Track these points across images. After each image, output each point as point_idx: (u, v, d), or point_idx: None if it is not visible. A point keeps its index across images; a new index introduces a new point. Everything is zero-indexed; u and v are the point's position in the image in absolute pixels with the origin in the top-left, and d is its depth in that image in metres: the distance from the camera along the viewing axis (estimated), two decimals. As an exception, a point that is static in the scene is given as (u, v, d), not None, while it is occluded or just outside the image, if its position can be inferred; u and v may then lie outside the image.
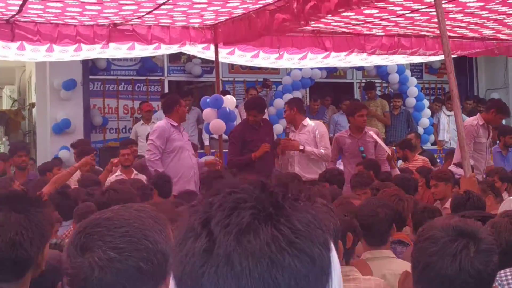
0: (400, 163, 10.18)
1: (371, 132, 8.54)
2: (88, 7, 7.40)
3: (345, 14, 7.52)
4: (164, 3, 7.34)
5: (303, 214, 1.06)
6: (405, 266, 3.78)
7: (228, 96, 10.12)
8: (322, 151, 8.28)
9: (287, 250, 1.00)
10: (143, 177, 8.02)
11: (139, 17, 8.22)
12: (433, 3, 5.98)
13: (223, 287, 0.99)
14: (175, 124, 8.07)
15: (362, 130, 8.63)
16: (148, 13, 7.89)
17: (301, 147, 8.23)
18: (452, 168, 8.32)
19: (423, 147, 13.25)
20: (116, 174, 8.30)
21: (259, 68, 13.98)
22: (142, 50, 9.99)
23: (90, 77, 13.43)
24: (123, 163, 8.45)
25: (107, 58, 13.15)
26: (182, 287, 1.04)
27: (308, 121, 8.60)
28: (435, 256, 2.08)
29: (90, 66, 13.36)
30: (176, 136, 8.02)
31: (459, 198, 4.80)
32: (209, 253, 1.01)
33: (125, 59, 13.54)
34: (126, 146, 9.00)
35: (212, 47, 9.84)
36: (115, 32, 8.75)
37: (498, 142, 9.97)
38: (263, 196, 1.06)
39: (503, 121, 10.22)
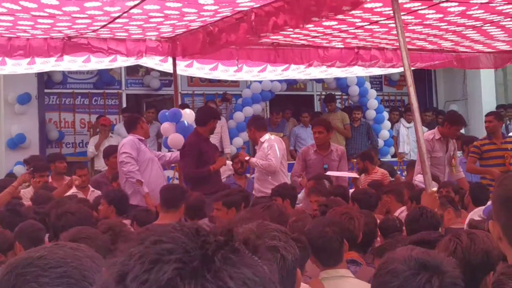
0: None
1: (333, 173, 8.32)
2: (40, 20, 7.18)
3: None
4: (118, 17, 7.17)
5: (240, 269, 0.89)
6: (362, 285, 3.74)
7: (187, 110, 9.96)
8: (263, 162, 8.19)
9: None
10: (99, 193, 7.82)
11: (93, 31, 8.02)
12: (392, 15, 5.91)
13: None
14: (142, 138, 8.02)
15: (328, 148, 8.53)
16: (103, 26, 7.70)
17: (246, 158, 8.23)
18: (420, 177, 8.31)
19: (383, 159, 13.27)
20: (72, 191, 8.07)
21: (219, 81, 13.87)
22: (97, 63, 9.78)
23: (46, 90, 13.16)
24: (79, 185, 8.26)
25: (63, 71, 12.92)
26: None
27: (265, 137, 8.48)
28: None
29: (45, 80, 13.10)
30: (145, 149, 7.92)
31: (413, 214, 4.72)
32: None
33: (82, 72, 13.30)
34: (83, 167, 8.86)
35: (170, 59, 9.68)
36: (70, 45, 8.52)
37: (462, 152, 9.99)
38: (192, 247, 0.89)
39: (463, 131, 10.26)
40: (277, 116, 13.42)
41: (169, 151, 11.64)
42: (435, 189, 5.49)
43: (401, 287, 1.91)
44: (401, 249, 2.11)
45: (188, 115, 9.47)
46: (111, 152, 9.05)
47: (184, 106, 11.37)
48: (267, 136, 8.51)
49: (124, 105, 13.87)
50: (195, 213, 6.62)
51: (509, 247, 2.25)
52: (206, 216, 6.55)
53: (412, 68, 11.23)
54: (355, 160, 9.54)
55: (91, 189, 8.28)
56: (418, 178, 8.28)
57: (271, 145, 8.31)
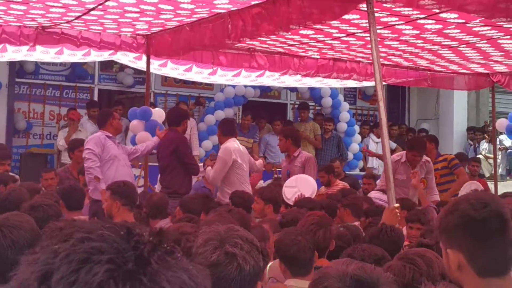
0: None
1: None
2: (13, 5, 7.05)
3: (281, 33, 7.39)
4: (93, 9, 7.06)
5: (176, 272, 0.82)
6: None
7: (157, 109, 9.87)
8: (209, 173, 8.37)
9: None
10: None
11: (68, 21, 7.90)
12: (368, 28, 5.89)
13: None
14: (110, 135, 7.87)
15: (291, 155, 8.74)
16: (77, 17, 7.58)
17: (208, 168, 8.35)
18: (374, 193, 8.30)
19: (352, 173, 13.28)
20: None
21: (193, 83, 13.78)
22: (70, 56, 9.64)
23: (17, 79, 12.96)
24: (46, 188, 8.10)
25: (36, 62, 12.75)
26: None
27: (226, 143, 8.33)
28: None
29: (17, 69, 12.90)
30: (112, 146, 7.79)
31: (374, 230, 4.68)
32: None
33: (55, 64, 13.13)
34: (50, 170, 8.74)
35: (144, 57, 9.57)
36: (43, 34, 8.38)
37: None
38: (125, 247, 0.81)
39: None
40: (246, 118, 13.33)
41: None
42: (397, 204, 5.45)
43: None
44: (336, 262, 2.02)
45: (158, 114, 9.38)
46: (76, 146, 8.93)
47: (152, 106, 11.26)
48: (228, 142, 8.33)
49: (96, 99, 13.69)
50: (158, 213, 6.55)
51: (473, 276, 2.17)
52: (168, 217, 6.48)
53: (386, 84, 11.38)
54: (320, 172, 9.45)
55: None
56: (373, 195, 8.29)
57: (219, 156, 8.27)
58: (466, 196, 2.41)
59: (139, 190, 7.95)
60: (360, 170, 14.36)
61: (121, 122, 8.66)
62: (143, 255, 0.81)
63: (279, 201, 7.02)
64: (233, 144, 8.24)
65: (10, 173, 8.65)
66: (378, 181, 9.49)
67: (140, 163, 11.49)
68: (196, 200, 6.35)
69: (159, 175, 8.70)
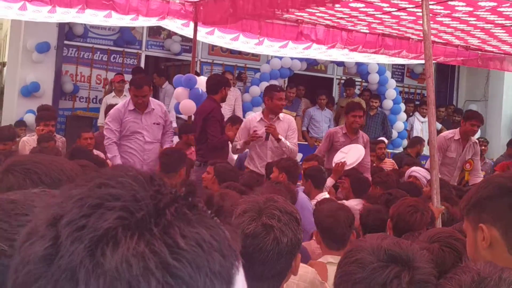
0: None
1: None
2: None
3: (330, 5, 7.27)
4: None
5: (196, 228, 0.76)
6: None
7: (202, 77, 9.85)
8: (292, 146, 7.98)
9: (155, 274, 0.70)
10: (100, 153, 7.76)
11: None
12: (420, 2, 5.75)
13: None
14: (131, 108, 7.74)
15: (357, 132, 8.40)
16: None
17: (280, 137, 7.92)
18: (416, 170, 8.19)
19: (396, 151, 13.16)
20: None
21: (239, 53, 13.73)
22: (119, 20, 9.66)
23: (65, 42, 13.04)
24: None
25: (85, 25, 12.83)
26: None
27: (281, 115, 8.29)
28: (361, 284, 1.74)
29: (66, 31, 12.98)
30: (132, 119, 7.72)
31: (403, 210, 4.50)
32: (49, 263, 0.72)
33: (104, 28, 13.20)
34: (89, 130, 8.79)
35: (192, 24, 9.54)
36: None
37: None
38: (143, 196, 0.76)
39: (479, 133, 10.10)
40: (290, 91, 13.21)
41: (177, 117, 11.53)
42: (443, 207, 5.32)
43: (365, 280, 1.73)
44: (371, 236, 1.93)
45: (203, 83, 9.36)
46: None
47: (197, 74, 11.24)
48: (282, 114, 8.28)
49: (142, 66, 13.75)
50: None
51: (504, 253, 2.05)
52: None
53: (435, 62, 11.17)
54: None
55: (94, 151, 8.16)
56: (416, 169, 8.17)
57: (296, 129, 8.18)
58: (500, 173, 2.31)
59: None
60: (404, 149, 14.19)
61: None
62: (159, 206, 0.76)
63: (292, 171, 6.93)
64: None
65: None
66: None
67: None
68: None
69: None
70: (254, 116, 8.21)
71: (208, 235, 0.76)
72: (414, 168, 8.37)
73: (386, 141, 11.73)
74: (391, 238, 1.85)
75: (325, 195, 6.58)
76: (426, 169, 8.25)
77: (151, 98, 7.95)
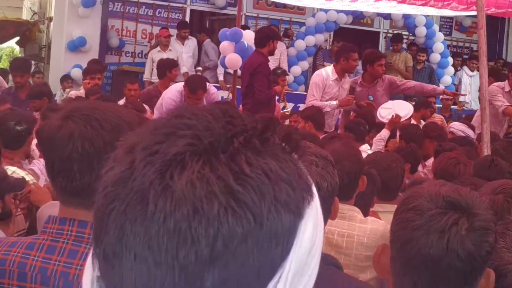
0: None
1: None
2: None
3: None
4: None
5: (264, 159, 0.76)
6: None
7: (248, 31, 9.78)
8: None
9: (218, 197, 0.72)
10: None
11: None
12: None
13: (129, 234, 0.73)
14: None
15: (376, 79, 8.29)
16: None
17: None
18: (457, 125, 8.10)
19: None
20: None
21: (285, 6, 13.61)
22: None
23: (111, -3, 13.10)
24: (129, 99, 8.20)
25: (130, -21, 12.85)
26: (94, 228, 0.79)
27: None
28: (418, 230, 1.69)
29: (111, -14, 13.02)
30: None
31: (482, 162, 4.43)
32: (123, 186, 0.75)
33: (149, -18, 13.19)
34: (134, 81, 8.79)
35: (237, -23, 9.48)
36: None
37: None
38: (215, 126, 0.78)
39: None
40: (337, 45, 13.04)
41: (225, 70, 11.55)
42: None
43: (423, 227, 1.69)
44: (428, 184, 1.90)
45: (248, 36, 9.30)
46: (168, 66, 8.98)
47: (244, 27, 11.19)
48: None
49: (187, 20, 13.72)
50: None
51: None
52: None
53: (486, 14, 10.87)
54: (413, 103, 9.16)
55: None
56: (456, 126, 8.09)
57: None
58: None
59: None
60: (452, 105, 13.99)
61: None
62: (228, 135, 0.77)
63: (317, 118, 6.90)
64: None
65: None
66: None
67: (228, 85, 11.54)
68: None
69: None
70: (327, 74, 8.06)
71: (276, 166, 0.76)
72: (453, 123, 8.32)
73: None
74: (450, 185, 1.80)
75: (366, 147, 6.57)
76: (466, 123, 8.20)
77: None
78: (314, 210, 0.80)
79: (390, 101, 8.03)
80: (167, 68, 9.07)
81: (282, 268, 0.75)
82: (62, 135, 1.72)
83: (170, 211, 0.72)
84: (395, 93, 8.62)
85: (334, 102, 7.83)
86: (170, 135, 0.76)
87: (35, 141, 5.19)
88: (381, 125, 7.35)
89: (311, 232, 0.78)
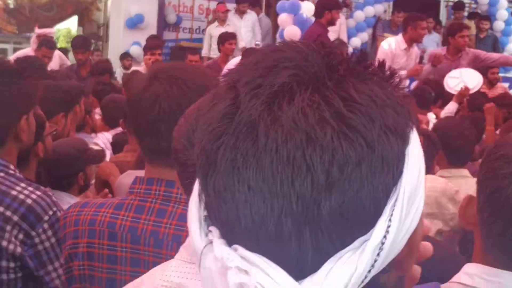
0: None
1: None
2: None
3: None
4: None
5: (369, 86, 0.75)
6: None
7: (307, 2, 9.65)
8: None
9: (330, 124, 0.71)
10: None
11: None
12: None
13: (241, 167, 0.72)
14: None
15: (460, 52, 8.11)
16: None
17: None
18: None
19: (508, 75, 12.65)
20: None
21: (343, -24, 13.37)
22: None
23: (167, -28, 13.09)
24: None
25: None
26: (199, 168, 0.78)
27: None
28: (507, 179, 1.61)
29: (168, -38, 13.02)
30: None
31: None
32: (230, 120, 0.74)
33: (206, -43, 13.13)
34: (195, 53, 8.81)
35: None
36: None
37: None
38: (315, 56, 0.76)
39: None
40: (398, 15, 12.81)
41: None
42: None
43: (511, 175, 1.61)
44: None
45: (307, 8, 9.18)
46: (225, 39, 8.95)
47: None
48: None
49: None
50: None
51: None
52: None
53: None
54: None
55: None
56: None
57: None
58: None
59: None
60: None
61: None
62: (331, 63, 0.76)
63: None
64: None
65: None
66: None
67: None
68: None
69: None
70: (396, 43, 7.95)
71: (380, 92, 0.75)
72: None
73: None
74: None
75: (432, 116, 6.46)
76: None
77: None
78: (416, 137, 0.79)
79: (458, 69, 7.82)
80: (221, 42, 9.09)
81: (395, 193, 0.74)
82: (148, 96, 1.75)
83: (282, 141, 0.71)
84: (479, 67, 8.39)
85: (403, 72, 7.69)
86: (272, 68, 0.76)
87: (99, 112, 5.22)
88: (448, 96, 7.19)
89: (417, 157, 0.78)
